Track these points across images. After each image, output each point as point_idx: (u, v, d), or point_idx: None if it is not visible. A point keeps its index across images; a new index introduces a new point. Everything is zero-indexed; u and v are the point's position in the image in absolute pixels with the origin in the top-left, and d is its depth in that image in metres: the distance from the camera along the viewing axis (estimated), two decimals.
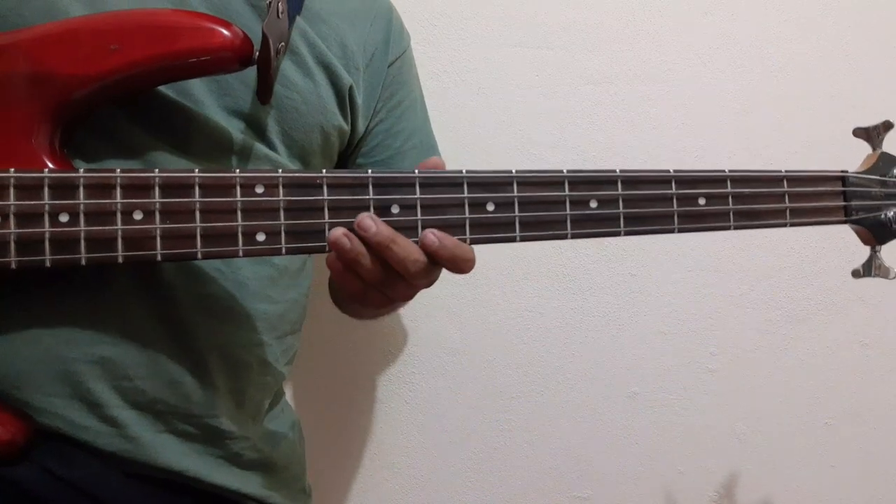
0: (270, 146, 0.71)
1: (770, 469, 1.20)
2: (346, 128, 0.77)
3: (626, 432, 1.16)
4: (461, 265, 0.62)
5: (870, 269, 0.76)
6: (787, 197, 0.71)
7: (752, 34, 1.16)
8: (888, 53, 1.19)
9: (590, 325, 1.14)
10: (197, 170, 0.58)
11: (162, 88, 0.64)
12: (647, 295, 1.15)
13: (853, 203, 0.74)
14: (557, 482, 1.15)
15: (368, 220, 0.60)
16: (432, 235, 0.61)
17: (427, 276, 0.62)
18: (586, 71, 1.12)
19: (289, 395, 0.84)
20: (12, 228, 0.55)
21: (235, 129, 0.68)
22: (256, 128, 0.70)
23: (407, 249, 0.60)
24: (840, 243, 1.18)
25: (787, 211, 0.71)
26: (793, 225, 0.72)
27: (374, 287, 0.62)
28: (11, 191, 0.55)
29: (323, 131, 0.74)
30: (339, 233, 0.60)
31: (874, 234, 0.76)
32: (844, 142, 0.78)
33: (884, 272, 0.75)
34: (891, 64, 1.19)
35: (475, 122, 1.09)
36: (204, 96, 0.66)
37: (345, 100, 0.76)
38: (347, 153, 0.82)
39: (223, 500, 0.70)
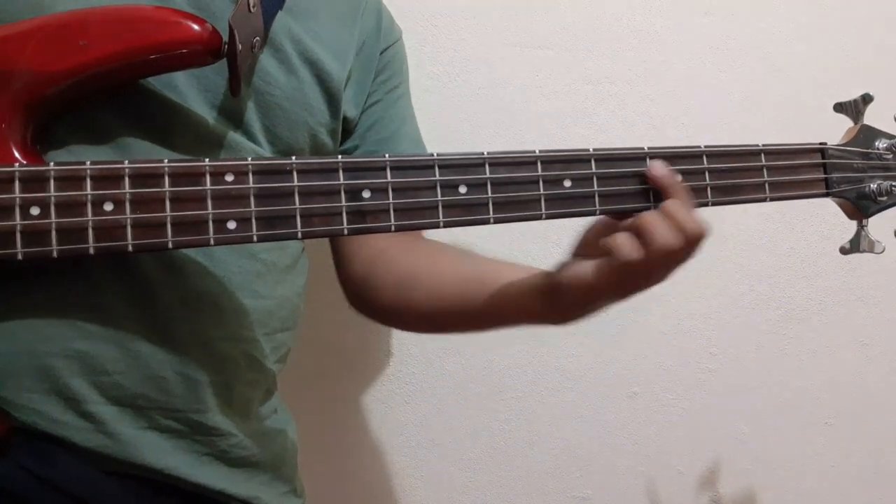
0: (255, 142, 0.70)
1: (770, 469, 1.20)
2: (336, 125, 0.77)
3: (626, 432, 1.16)
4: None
5: (858, 244, 0.74)
6: (765, 171, 0.70)
7: (752, 34, 1.16)
8: (888, 53, 1.19)
9: (590, 325, 1.13)
10: (167, 160, 0.58)
11: (145, 82, 0.64)
12: (648, 295, 1.15)
13: (833, 175, 0.72)
14: (557, 482, 1.15)
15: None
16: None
17: (673, 268, 0.69)
18: (586, 71, 1.12)
19: (287, 394, 0.83)
20: None
21: (218, 124, 0.68)
22: (239, 123, 0.69)
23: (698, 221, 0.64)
24: (840, 243, 1.18)
25: (766, 185, 0.70)
26: (773, 199, 0.70)
27: (623, 281, 0.67)
28: None
29: (310, 129, 0.73)
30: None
31: (859, 207, 0.73)
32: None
33: (871, 247, 0.73)
34: (891, 64, 1.18)
35: (475, 122, 1.09)
36: (188, 90, 0.66)
37: (335, 96, 0.75)
38: (345, 143, 0.81)
39: (207, 501, 0.69)
